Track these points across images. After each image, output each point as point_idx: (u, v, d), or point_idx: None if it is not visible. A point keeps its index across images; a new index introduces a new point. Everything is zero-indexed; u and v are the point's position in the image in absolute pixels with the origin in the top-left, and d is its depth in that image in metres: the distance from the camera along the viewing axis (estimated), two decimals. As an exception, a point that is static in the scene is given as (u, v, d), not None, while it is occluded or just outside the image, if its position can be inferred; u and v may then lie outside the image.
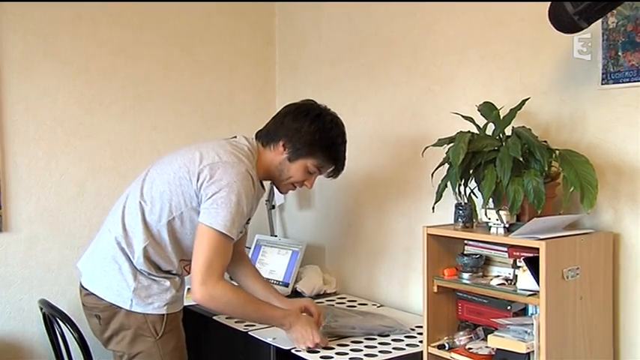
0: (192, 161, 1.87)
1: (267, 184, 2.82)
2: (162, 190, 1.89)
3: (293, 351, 1.95)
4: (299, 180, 2.01)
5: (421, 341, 1.94)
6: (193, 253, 1.83)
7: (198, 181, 1.84)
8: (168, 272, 1.94)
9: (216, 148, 1.90)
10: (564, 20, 1.25)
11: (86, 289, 1.94)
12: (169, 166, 1.92)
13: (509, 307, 1.79)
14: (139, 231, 1.88)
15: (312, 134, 1.94)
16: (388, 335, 2.07)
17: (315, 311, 2.10)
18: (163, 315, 1.88)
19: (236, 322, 2.22)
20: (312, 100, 2.04)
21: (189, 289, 2.44)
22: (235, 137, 2.01)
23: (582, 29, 1.24)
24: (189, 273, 2.01)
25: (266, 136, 1.99)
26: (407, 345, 2.01)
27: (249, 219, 1.96)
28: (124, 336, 1.88)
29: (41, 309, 2.15)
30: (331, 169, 2.03)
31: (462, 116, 1.96)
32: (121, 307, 1.86)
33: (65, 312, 2.07)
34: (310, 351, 1.93)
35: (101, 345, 1.99)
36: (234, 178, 1.82)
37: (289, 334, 1.96)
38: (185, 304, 2.36)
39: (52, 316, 2.08)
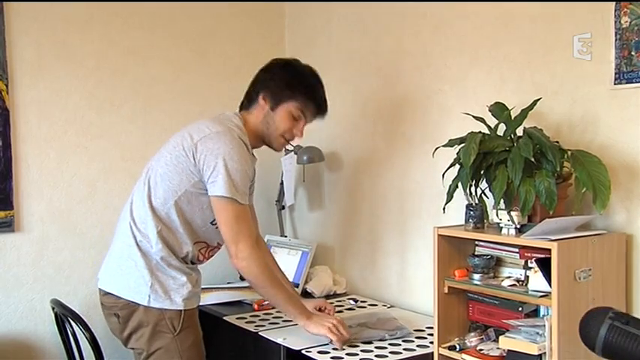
0: (185, 139, 1.92)
1: (276, 183, 2.84)
2: (162, 172, 1.92)
3: (303, 351, 1.95)
4: (287, 128, 2.03)
5: (432, 342, 1.93)
6: (219, 228, 1.89)
7: (195, 155, 1.88)
8: (185, 260, 1.95)
9: (204, 122, 1.96)
10: (589, 334, 1.18)
11: (104, 290, 1.97)
12: (164, 150, 1.98)
13: (520, 309, 1.78)
14: (149, 219, 1.90)
15: (285, 77, 2.01)
16: (399, 337, 2.07)
17: (331, 308, 2.20)
18: (181, 311, 1.90)
19: (246, 322, 2.23)
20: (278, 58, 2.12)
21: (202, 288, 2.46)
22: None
23: (594, 352, 1.18)
24: (206, 258, 2.04)
25: (247, 100, 2.06)
26: (417, 346, 2.00)
27: (252, 187, 2.02)
28: (143, 333, 1.89)
29: (53, 309, 2.16)
30: (314, 110, 2.05)
31: (473, 116, 1.96)
32: (139, 304, 1.88)
33: (77, 312, 2.08)
34: (321, 352, 1.93)
35: (113, 345, 2.01)
36: (229, 144, 1.88)
37: (308, 322, 1.96)
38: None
39: (63, 315, 2.10)
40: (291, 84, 2.00)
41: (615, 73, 1.78)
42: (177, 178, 1.90)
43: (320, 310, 2.17)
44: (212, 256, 2.05)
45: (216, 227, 1.95)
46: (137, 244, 1.91)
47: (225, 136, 1.89)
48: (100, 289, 1.99)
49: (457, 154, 1.84)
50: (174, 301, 1.89)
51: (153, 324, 1.88)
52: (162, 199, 1.91)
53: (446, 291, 1.89)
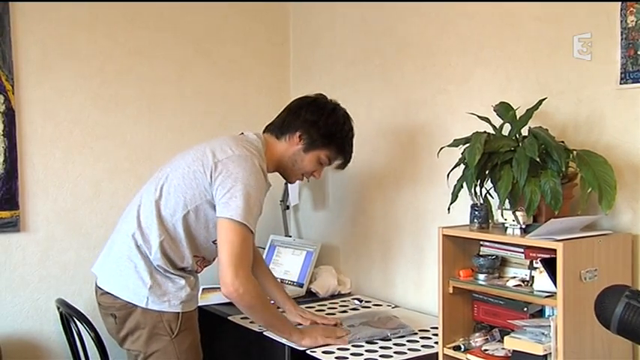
0: (206, 156, 1.91)
1: (281, 182, 2.84)
2: (177, 183, 1.91)
3: (308, 352, 1.95)
4: (310, 170, 2.10)
5: (436, 342, 1.93)
6: (218, 248, 1.85)
7: (212, 174, 1.87)
8: (183, 269, 1.95)
9: (227, 142, 1.94)
10: (604, 312, 1.18)
11: (102, 289, 1.96)
12: (182, 161, 1.95)
13: (525, 309, 1.78)
14: (154, 227, 1.90)
15: (328, 127, 2.04)
16: (403, 336, 2.07)
17: (310, 317, 2.19)
18: (179, 313, 1.89)
19: (250, 322, 2.23)
20: (323, 94, 2.13)
21: (204, 289, 2.47)
22: (242, 134, 2.06)
23: (609, 329, 1.19)
24: (202, 269, 2.03)
25: (280, 127, 2.06)
26: (422, 346, 2.00)
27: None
28: (140, 335, 1.89)
29: (58, 308, 2.17)
30: (341, 162, 2.14)
31: (478, 116, 1.95)
32: (136, 306, 1.88)
33: (82, 311, 2.09)
34: (325, 352, 1.93)
35: (117, 344, 2.01)
36: (249, 170, 1.87)
37: (304, 340, 1.98)
38: (199, 304, 2.38)
39: (68, 315, 2.10)
40: (331, 135, 2.05)
41: (621, 73, 1.77)
42: (190, 193, 1.89)
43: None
44: (206, 266, 2.05)
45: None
46: (138, 247, 1.90)
47: (247, 161, 1.87)
48: (97, 288, 1.98)
49: (462, 154, 1.83)
50: (172, 303, 1.89)
51: (150, 326, 1.88)
52: (172, 210, 1.90)
53: (451, 291, 1.88)
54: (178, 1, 2.73)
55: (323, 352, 1.93)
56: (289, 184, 2.80)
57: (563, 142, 1.81)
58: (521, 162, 1.69)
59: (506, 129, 1.88)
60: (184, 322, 1.90)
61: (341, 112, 2.09)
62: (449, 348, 1.86)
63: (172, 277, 1.91)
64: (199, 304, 2.36)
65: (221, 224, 1.84)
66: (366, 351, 1.95)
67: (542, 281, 1.69)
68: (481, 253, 1.91)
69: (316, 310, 2.35)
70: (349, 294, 2.62)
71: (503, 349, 1.77)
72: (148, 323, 1.87)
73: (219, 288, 2.50)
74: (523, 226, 1.75)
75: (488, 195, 1.86)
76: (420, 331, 2.12)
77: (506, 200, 1.72)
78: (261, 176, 1.91)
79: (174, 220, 1.90)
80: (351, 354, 1.93)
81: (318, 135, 2.03)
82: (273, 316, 1.98)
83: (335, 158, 2.10)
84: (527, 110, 1.84)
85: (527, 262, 1.80)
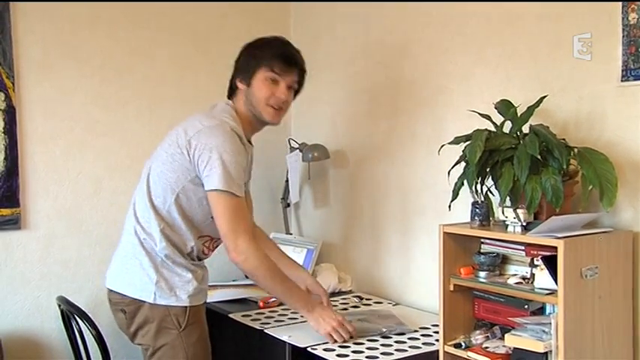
0: (179, 136, 1.92)
1: (282, 181, 2.84)
2: (160, 171, 1.93)
3: (309, 349, 1.95)
4: (267, 95, 1.98)
5: (437, 340, 1.93)
6: (215, 221, 1.88)
7: (189, 151, 1.88)
8: (190, 258, 1.96)
9: (197, 117, 1.96)
10: None
11: (110, 289, 1.99)
12: (160, 150, 1.98)
13: (526, 306, 1.78)
14: (152, 219, 1.92)
15: (247, 51, 2.05)
16: (402, 333, 2.07)
17: (321, 291, 2.17)
18: (186, 307, 1.90)
19: (252, 320, 2.23)
20: None
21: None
22: (215, 105, 2.06)
23: None
24: (211, 250, 2.04)
25: (229, 91, 2.08)
26: (423, 343, 2.00)
27: (248, 175, 2.01)
28: (149, 329, 1.90)
29: (59, 306, 2.17)
30: (283, 64, 1.98)
31: (479, 114, 1.95)
32: (144, 301, 1.89)
33: (83, 309, 2.09)
34: (327, 349, 1.93)
35: (118, 342, 2.02)
36: (222, 137, 1.87)
37: (309, 316, 1.98)
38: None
39: (69, 312, 2.11)
40: (254, 53, 2.02)
41: (622, 70, 1.77)
42: (174, 176, 1.91)
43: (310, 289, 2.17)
44: (217, 247, 2.05)
45: None
46: (141, 243, 1.92)
47: (218, 129, 1.89)
48: (107, 288, 2.01)
49: (463, 151, 1.84)
50: (179, 297, 1.90)
51: (158, 320, 1.89)
52: (162, 197, 1.92)
53: (451, 289, 1.89)
54: (179, 0, 2.72)
55: (324, 350, 1.93)
56: (290, 182, 2.80)
57: (564, 139, 1.81)
58: (522, 159, 1.70)
59: (507, 126, 1.88)
60: (192, 315, 1.91)
61: (262, 36, 2.06)
62: (450, 345, 1.87)
63: (179, 270, 1.92)
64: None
65: (210, 197, 1.87)
66: (367, 348, 1.95)
67: (543, 279, 1.69)
68: (482, 251, 1.91)
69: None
70: (350, 292, 2.62)
71: (504, 346, 1.77)
72: (156, 317, 1.89)
73: (220, 285, 2.53)
74: (524, 224, 1.75)
75: (489, 192, 1.86)
76: (420, 328, 2.12)
77: (507, 198, 1.73)
78: (237, 139, 1.90)
79: (167, 207, 1.92)
80: (352, 351, 1.93)
81: (244, 63, 2.02)
82: (280, 283, 1.95)
83: (276, 66, 1.97)
84: (528, 108, 1.84)
85: (528, 259, 1.80)
